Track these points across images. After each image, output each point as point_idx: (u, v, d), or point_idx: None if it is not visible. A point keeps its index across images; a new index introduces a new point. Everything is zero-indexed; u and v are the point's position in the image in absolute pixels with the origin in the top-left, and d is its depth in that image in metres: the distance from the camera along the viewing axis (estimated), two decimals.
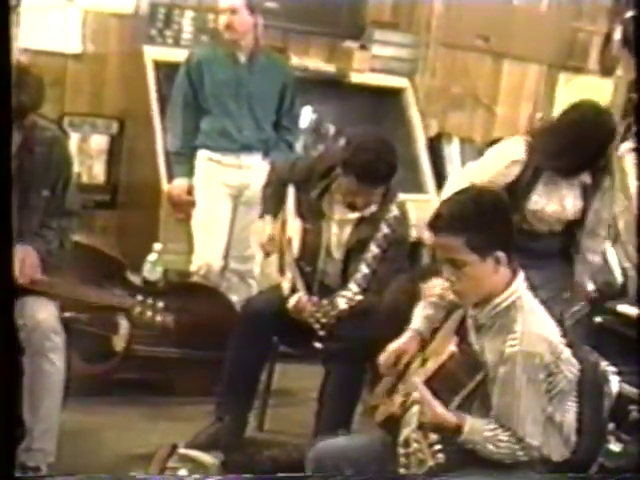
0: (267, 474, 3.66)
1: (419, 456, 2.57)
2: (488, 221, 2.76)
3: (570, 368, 2.74)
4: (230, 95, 4.90)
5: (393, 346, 3.08)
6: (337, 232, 4.05)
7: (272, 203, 4.25)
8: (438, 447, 2.58)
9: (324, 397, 3.93)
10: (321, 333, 3.80)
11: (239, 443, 4.03)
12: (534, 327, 2.72)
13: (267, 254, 4.30)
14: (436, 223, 2.81)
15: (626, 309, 4.29)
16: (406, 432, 2.68)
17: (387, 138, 4.09)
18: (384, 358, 3.08)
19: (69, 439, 3.63)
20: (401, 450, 2.67)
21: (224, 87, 4.89)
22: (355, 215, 4.00)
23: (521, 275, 2.84)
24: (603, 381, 2.98)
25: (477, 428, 2.65)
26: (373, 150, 3.81)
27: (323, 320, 3.79)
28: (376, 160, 3.80)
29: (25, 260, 3.36)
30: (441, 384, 2.79)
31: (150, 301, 3.92)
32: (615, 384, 3.16)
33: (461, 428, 2.63)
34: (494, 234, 2.76)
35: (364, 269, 3.92)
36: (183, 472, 3.64)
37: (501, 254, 2.75)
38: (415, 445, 2.59)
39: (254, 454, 3.89)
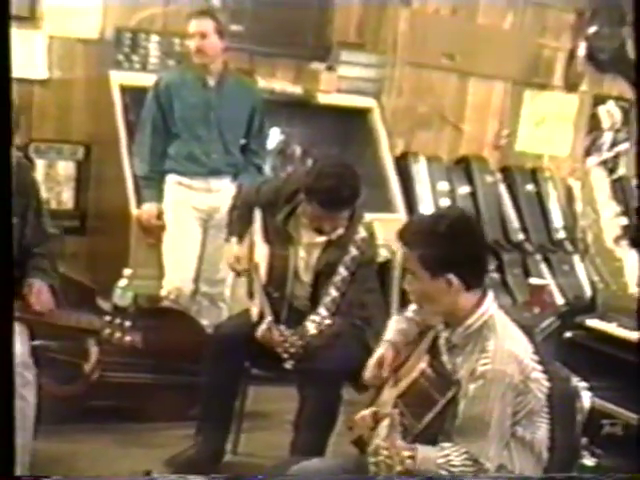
0: None
1: (387, 462, 2.57)
2: (442, 241, 2.76)
3: (540, 387, 2.75)
4: (199, 119, 4.90)
5: (372, 360, 3.11)
6: (305, 256, 4.05)
7: (238, 225, 4.25)
8: (407, 454, 2.59)
9: (300, 423, 3.91)
10: (289, 363, 3.80)
11: (215, 467, 4.02)
12: (506, 345, 2.72)
13: (237, 274, 4.29)
14: (399, 234, 2.86)
15: (596, 324, 4.31)
16: (376, 442, 2.69)
17: (348, 162, 4.12)
18: (367, 373, 3.10)
19: (42, 468, 3.60)
20: (371, 459, 2.67)
21: (193, 111, 4.90)
22: (322, 239, 4.00)
23: (490, 295, 2.86)
24: (575, 396, 2.99)
25: (429, 457, 2.66)
26: (334, 175, 3.81)
27: (291, 350, 3.79)
28: (338, 185, 3.79)
29: (41, 291, 3.42)
30: (413, 400, 2.81)
31: (118, 321, 3.91)
32: (587, 399, 3.18)
33: (414, 459, 2.64)
34: (447, 257, 2.75)
35: (333, 292, 3.92)
36: None
37: (452, 277, 2.75)
38: (385, 452, 2.59)
39: (229, 478, 3.88)
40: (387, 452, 2.57)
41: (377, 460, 2.60)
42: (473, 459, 2.66)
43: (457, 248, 2.78)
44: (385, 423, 2.76)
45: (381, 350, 3.12)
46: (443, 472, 2.66)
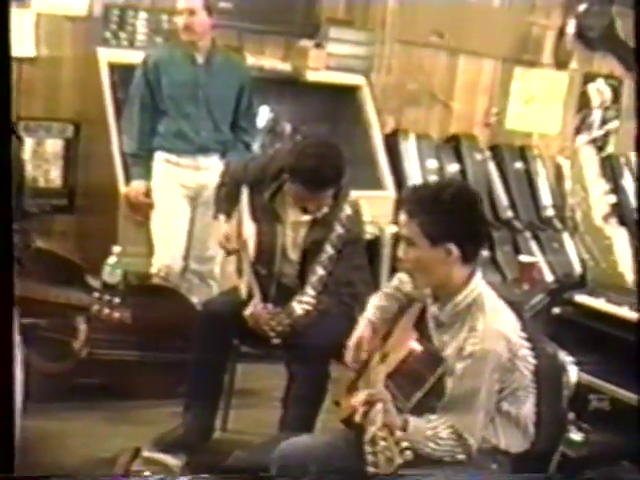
0: (232, 474, 3.65)
1: (387, 454, 2.56)
2: (444, 211, 2.76)
3: (526, 365, 2.77)
4: (187, 96, 4.88)
5: (351, 341, 3.13)
6: (292, 234, 4.03)
7: (226, 203, 4.24)
8: (405, 444, 2.59)
9: (288, 400, 3.92)
10: (276, 341, 3.80)
11: (204, 444, 4.02)
12: (495, 325, 2.74)
13: (228, 252, 4.29)
14: (401, 202, 2.89)
15: (584, 299, 4.33)
16: (372, 430, 2.68)
17: (333, 140, 4.11)
18: (347, 355, 3.13)
19: (31, 446, 3.60)
20: (368, 449, 2.65)
21: (181, 88, 4.88)
22: (308, 217, 3.99)
23: (479, 272, 2.86)
24: (562, 371, 3.00)
25: (419, 428, 2.69)
26: (316, 156, 3.78)
27: (279, 328, 3.79)
28: (320, 166, 3.77)
29: None
30: (403, 379, 2.82)
31: (107, 297, 3.90)
32: (574, 374, 3.19)
33: (405, 429, 2.65)
34: (448, 225, 2.77)
35: (320, 271, 3.91)
36: (147, 474, 3.64)
37: (452, 247, 2.76)
38: (382, 443, 2.58)
39: (219, 455, 3.89)
40: (385, 443, 2.56)
41: (375, 450, 2.60)
42: (457, 434, 2.69)
43: (459, 218, 2.79)
44: (378, 407, 2.76)
45: (359, 330, 3.14)
46: (431, 444, 2.68)
